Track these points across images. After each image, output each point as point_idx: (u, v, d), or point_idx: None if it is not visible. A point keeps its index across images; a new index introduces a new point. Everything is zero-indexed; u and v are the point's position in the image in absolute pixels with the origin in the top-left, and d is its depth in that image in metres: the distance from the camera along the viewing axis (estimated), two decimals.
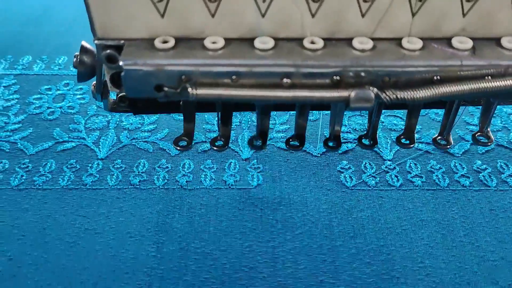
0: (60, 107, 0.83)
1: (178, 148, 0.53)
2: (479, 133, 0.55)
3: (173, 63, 0.41)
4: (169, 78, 0.41)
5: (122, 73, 0.41)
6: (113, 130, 0.78)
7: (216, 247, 0.60)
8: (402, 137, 0.55)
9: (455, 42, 0.43)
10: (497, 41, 0.44)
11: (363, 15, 0.43)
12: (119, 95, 0.52)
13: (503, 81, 0.42)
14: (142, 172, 0.70)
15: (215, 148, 0.53)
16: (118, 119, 0.80)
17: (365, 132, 0.57)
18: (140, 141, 0.76)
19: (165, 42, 0.43)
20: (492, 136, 0.55)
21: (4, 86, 0.88)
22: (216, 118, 0.61)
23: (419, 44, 0.43)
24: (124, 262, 0.58)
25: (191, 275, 0.57)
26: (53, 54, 0.98)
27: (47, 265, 0.58)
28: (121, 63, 0.41)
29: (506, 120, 0.80)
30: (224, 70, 0.41)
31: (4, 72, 0.91)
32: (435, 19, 0.43)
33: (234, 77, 0.41)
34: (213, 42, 0.43)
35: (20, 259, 0.58)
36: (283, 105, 0.54)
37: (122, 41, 0.43)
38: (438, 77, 0.42)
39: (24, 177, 0.69)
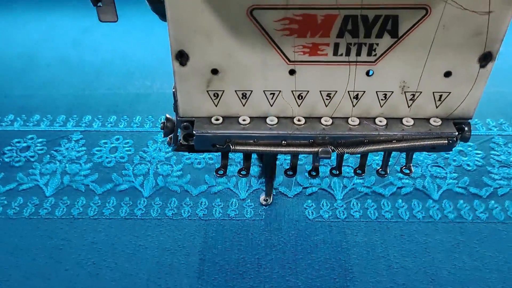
0: (115, 157, 1.17)
1: (218, 175, 0.76)
2: (404, 167, 0.79)
3: (222, 132, 0.67)
4: (219, 139, 0.68)
5: (194, 137, 0.67)
6: (152, 175, 1.11)
7: (222, 258, 0.93)
8: (357, 169, 0.79)
9: (377, 121, 0.69)
10: (400, 120, 0.69)
11: (326, 106, 0.68)
12: (181, 142, 0.73)
13: (400, 144, 0.67)
14: (173, 207, 1.03)
15: (241, 175, 0.77)
16: (155, 168, 1.13)
17: (334, 166, 0.81)
18: (171, 184, 1.09)
19: (217, 119, 0.68)
20: (412, 169, 0.80)
21: (74, 140, 1.21)
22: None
23: (357, 121, 0.68)
24: (164, 266, 0.91)
25: (206, 274, 0.89)
26: (106, 113, 1.32)
27: (117, 267, 0.91)
28: (194, 131, 0.67)
29: (425, 170, 1.12)
30: (249, 135, 0.67)
31: (73, 129, 1.25)
32: (366, 108, 0.68)
33: (255, 140, 0.68)
34: (244, 120, 0.68)
35: (99, 264, 0.91)
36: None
37: (193, 118, 0.69)
38: (367, 140, 0.68)
39: (96, 210, 1.02)
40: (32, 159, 1.15)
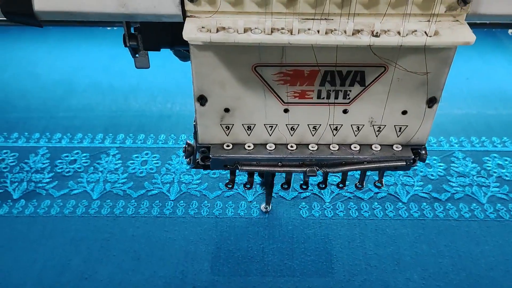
0: (145, 169, 1.41)
1: (227, 188, 0.98)
2: (377, 181, 0.91)
3: (231, 156, 0.78)
4: (229, 161, 0.78)
5: (211, 160, 0.78)
6: (176, 183, 1.35)
7: (234, 247, 1.16)
8: (339, 183, 0.94)
9: (352, 147, 0.80)
10: (370, 146, 0.80)
11: (313, 135, 0.79)
12: (198, 162, 0.84)
13: (370, 165, 0.79)
14: (195, 208, 1.27)
15: (246, 188, 0.94)
16: (179, 177, 1.37)
17: (321, 181, 0.95)
18: (192, 190, 1.33)
19: (228, 146, 0.79)
20: (383, 183, 0.97)
21: (112, 155, 1.45)
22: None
23: (337, 147, 0.79)
24: (189, 253, 1.14)
25: (222, 259, 1.13)
26: (136, 132, 1.56)
27: (153, 254, 1.14)
28: (210, 155, 0.78)
29: (397, 179, 1.36)
30: (253, 158, 0.78)
31: (110, 145, 1.49)
32: (343, 137, 0.79)
33: (257, 161, 0.79)
34: (249, 146, 0.79)
35: (139, 251, 1.15)
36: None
37: (210, 145, 0.79)
38: (344, 162, 0.79)
39: (133, 210, 1.26)
40: (79, 170, 1.39)
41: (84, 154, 1.45)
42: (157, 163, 1.43)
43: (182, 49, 0.90)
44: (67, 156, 1.44)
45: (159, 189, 1.33)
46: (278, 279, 1.10)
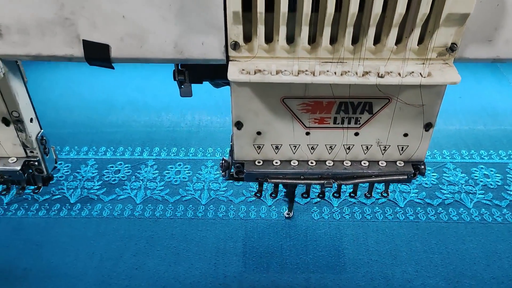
0: (179, 178, 1.55)
1: (256, 197, 1.09)
2: (384, 191, 0.98)
3: (262, 170, 0.86)
4: (260, 175, 0.86)
5: (245, 174, 0.86)
6: (206, 190, 1.49)
7: (257, 243, 1.30)
8: (351, 193, 1.00)
9: (362, 163, 0.87)
10: (377, 163, 0.87)
11: (329, 153, 0.87)
12: (232, 175, 0.92)
13: (377, 178, 0.87)
14: (223, 211, 1.41)
15: (272, 197, 1.00)
16: (208, 185, 1.52)
17: (335, 191, 1.02)
18: (220, 196, 1.47)
19: (259, 162, 0.87)
20: (389, 193, 1.07)
21: (150, 166, 1.60)
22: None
23: (349, 163, 0.87)
24: (220, 248, 1.28)
25: (247, 254, 1.27)
26: (169, 146, 1.70)
27: (189, 249, 1.28)
28: (244, 170, 0.86)
29: (396, 187, 1.50)
30: (280, 172, 0.86)
31: (147, 157, 1.64)
32: (355, 155, 0.86)
33: (283, 175, 0.86)
34: (276, 162, 0.87)
35: (178, 247, 1.29)
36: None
37: (244, 161, 0.87)
38: (355, 176, 0.87)
39: (171, 213, 1.40)
40: (123, 179, 1.53)
41: (126, 165, 1.59)
42: (189, 172, 1.57)
43: (221, 82, 1.03)
44: (112, 167, 1.58)
45: (192, 195, 1.47)
46: (295, 271, 1.23)
